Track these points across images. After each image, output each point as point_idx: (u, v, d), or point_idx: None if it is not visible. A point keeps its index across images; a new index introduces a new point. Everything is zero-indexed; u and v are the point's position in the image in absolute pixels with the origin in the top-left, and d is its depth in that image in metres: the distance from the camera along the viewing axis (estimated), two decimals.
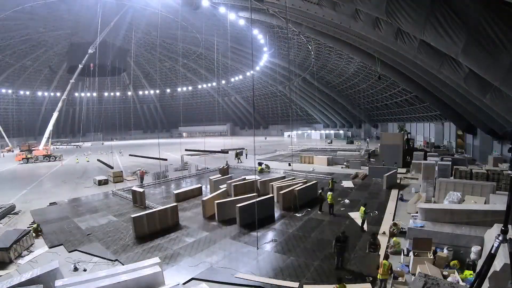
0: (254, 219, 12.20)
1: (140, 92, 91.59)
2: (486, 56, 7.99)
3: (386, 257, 9.03)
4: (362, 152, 37.72)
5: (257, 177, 22.40)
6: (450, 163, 19.25)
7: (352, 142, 56.98)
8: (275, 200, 16.27)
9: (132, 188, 18.67)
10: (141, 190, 17.78)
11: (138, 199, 17.24)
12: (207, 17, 41.54)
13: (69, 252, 11.18)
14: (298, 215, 14.60)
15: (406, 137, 31.57)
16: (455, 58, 9.49)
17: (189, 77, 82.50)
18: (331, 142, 57.49)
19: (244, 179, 20.76)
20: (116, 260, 10.33)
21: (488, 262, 4.43)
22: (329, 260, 9.84)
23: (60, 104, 51.46)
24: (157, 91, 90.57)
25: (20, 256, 10.85)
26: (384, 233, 11.85)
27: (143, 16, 48.55)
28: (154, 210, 13.69)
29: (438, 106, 28.81)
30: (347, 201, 16.67)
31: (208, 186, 20.61)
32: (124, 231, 13.24)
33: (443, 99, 23.30)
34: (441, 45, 9.21)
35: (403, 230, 11.26)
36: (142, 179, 23.90)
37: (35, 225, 13.29)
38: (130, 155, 43.13)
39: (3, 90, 66.97)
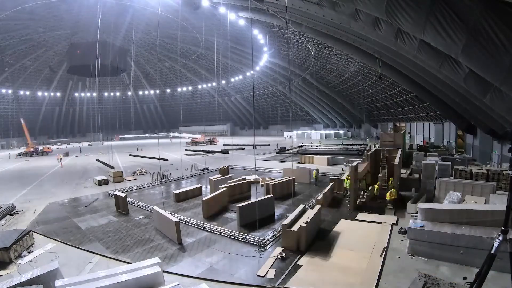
0: (254, 219, 12.25)
1: (140, 92, 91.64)
2: (486, 56, 7.98)
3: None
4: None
5: (257, 177, 22.47)
6: (450, 163, 19.25)
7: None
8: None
9: (114, 193, 17.45)
10: (123, 194, 16.41)
11: (121, 204, 16.17)
12: (207, 17, 41.53)
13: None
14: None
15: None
16: (455, 58, 9.49)
17: (189, 77, 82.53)
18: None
19: (244, 179, 20.79)
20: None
21: (488, 262, 4.43)
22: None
23: None
24: (157, 91, 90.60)
25: (20, 256, 10.86)
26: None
27: (143, 16, 48.56)
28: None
29: (438, 106, 28.77)
30: None
31: (208, 186, 20.63)
32: (124, 231, 13.26)
33: (443, 99, 23.26)
34: (441, 45, 9.20)
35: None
36: None
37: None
38: (130, 155, 43.15)
39: (3, 90, 66.97)
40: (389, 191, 15.11)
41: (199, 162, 34.02)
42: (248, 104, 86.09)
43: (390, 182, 16.41)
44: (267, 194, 17.95)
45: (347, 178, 16.99)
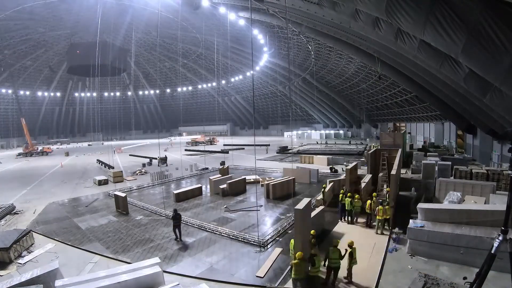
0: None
1: (140, 92, 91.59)
2: (486, 56, 7.98)
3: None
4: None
5: (258, 177, 22.45)
6: (450, 163, 19.24)
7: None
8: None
9: (114, 193, 17.43)
10: (123, 194, 16.38)
11: (121, 204, 16.14)
12: (207, 17, 41.52)
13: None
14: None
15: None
16: (455, 58, 9.48)
17: (189, 77, 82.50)
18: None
19: (244, 179, 20.80)
20: None
21: (488, 262, 4.42)
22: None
23: None
24: (157, 91, 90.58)
25: (20, 256, 10.86)
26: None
27: (143, 16, 48.53)
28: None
29: (438, 106, 28.78)
30: None
31: (208, 186, 20.64)
32: (124, 231, 13.26)
33: (443, 99, 23.27)
34: (441, 45, 9.20)
35: None
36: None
37: None
38: (130, 155, 43.18)
39: (3, 90, 66.89)
40: (380, 206, 11.81)
41: (199, 162, 34.02)
42: (248, 104, 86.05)
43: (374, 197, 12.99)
44: (267, 194, 17.99)
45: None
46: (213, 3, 31.51)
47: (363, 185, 15.08)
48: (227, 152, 41.33)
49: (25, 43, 56.51)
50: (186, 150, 48.49)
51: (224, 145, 49.85)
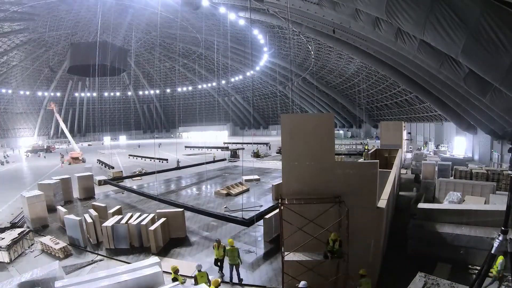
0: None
1: (140, 92, 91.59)
2: (486, 56, 7.98)
3: None
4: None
5: (257, 177, 22.44)
6: (450, 163, 19.23)
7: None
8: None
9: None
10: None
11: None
12: (207, 17, 41.56)
13: None
14: None
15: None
16: (455, 58, 9.49)
17: (189, 77, 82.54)
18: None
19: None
20: None
21: (488, 262, 4.43)
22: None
23: None
24: (157, 91, 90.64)
25: (20, 256, 10.85)
26: None
27: (143, 16, 48.59)
28: None
29: (438, 106, 28.74)
30: None
31: (208, 187, 20.61)
32: None
33: (443, 99, 23.26)
34: (441, 45, 9.20)
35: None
36: None
37: None
38: (129, 155, 43.20)
39: (3, 90, 66.89)
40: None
41: (199, 162, 33.94)
42: (248, 104, 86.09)
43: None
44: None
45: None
46: (213, 3, 31.51)
47: None
48: (227, 148, 41.34)
49: (25, 43, 56.53)
50: (186, 147, 48.46)
51: (225, 143, 49.91)
